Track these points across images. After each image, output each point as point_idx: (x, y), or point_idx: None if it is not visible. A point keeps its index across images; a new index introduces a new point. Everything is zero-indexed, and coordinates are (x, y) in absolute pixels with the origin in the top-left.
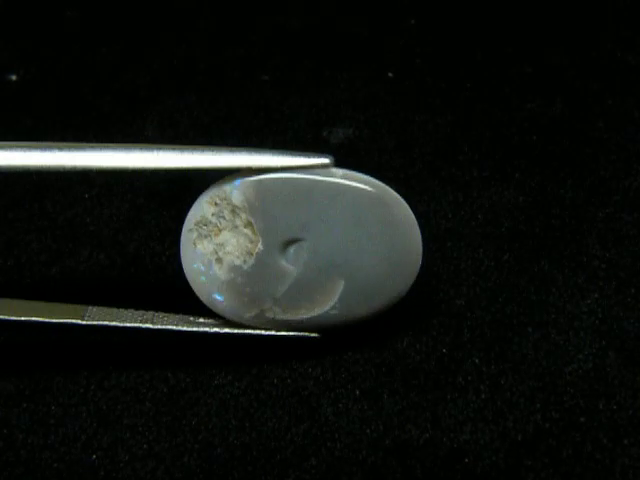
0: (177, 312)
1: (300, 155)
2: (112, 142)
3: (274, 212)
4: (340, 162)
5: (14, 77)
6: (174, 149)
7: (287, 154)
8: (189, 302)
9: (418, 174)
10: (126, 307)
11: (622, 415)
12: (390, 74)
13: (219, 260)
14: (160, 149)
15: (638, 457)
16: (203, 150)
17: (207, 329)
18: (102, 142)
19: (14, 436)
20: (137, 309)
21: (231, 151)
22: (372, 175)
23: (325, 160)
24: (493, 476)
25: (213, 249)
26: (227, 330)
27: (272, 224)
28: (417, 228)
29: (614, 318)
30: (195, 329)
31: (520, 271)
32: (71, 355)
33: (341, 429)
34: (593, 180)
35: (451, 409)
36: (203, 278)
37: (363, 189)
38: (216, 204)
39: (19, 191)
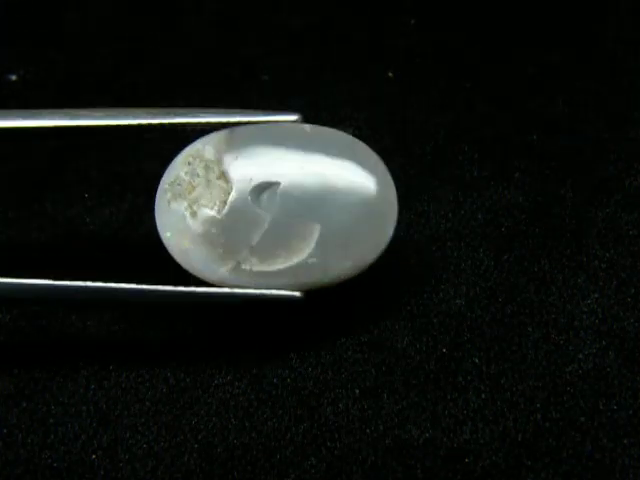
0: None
1: (269, 113)
2: (112, 142)
3: (247, 160)
4: None
5: (14, 77)
6: (142, 112)
7: (256, 112)
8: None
9: (418, 174)
10: (125, 309)
11: (622, 415)
12: (390, 74)
13: (193, 214)
14: (128, 113)
15: (638, 457)
16: (169, 112)
17: (186, 289)
18: (102, 142)
19: (13, 436)
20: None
21: (200, 112)
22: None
23: (293, 117)
24: (493, 476)
25: (187, 204)
26: (204, 289)
27: (245, 171)
28: (390, 179)
29: (614, 318)
30: (173, 289)
31: (520, 271)
32: (70, 353)
33: (341, 429)
34: (593, 180)
35: (451, 409)
36: (177, 232)
37: (333, 135)
38: (189, 163)
39: (19, 191)
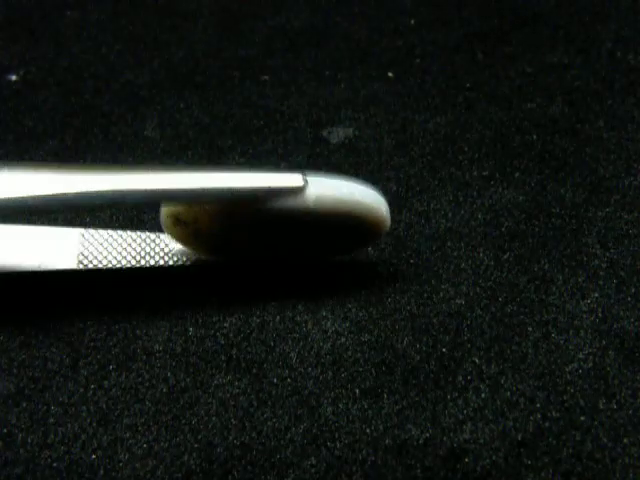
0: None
1: (272, 171)
2: (112, 142)
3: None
4: (340, 162)
5: (14, 77)
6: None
7: (259, 176)
8: (187, 303)
9: (418, 174)
10: (125, 309)
11: (622, 414)
12: (390, 74)
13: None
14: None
15: (638, 456)
16: (169, 171)
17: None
18: (102, 142)
19: (14, 435)
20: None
21: (198, 171)
22: (371, 174)
23: (298, 182)
24: (493, 475)
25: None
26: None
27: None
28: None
29: (614, 317)
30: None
31: (520, 270)
32: (70, 352)
33: (341, 429)
34: (593, 180)
35: (451, 408)
36: None
37: (335, 211)
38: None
39: None
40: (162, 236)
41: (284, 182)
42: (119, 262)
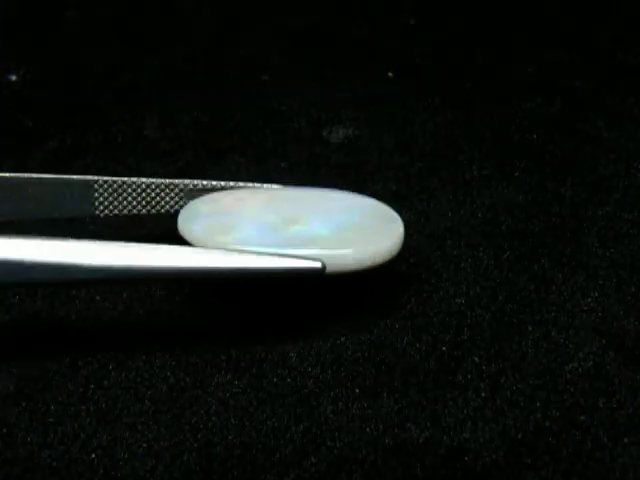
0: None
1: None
2: (112, 142)
3: None
4: (340, 162)
5: (14, 77)
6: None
7: (278, 260)
8: (187, 302)
9: (418, 174)
10: (124, 308)
11: (622, 413)
12: (390, 74)
13: None
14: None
15: (638, 456)
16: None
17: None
18: (102, 142)
19: (13, 435)
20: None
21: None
22: (371, 174)
23: (317, 264)
24: (493, 474)
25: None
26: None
27: None
28: None
29: (614, 317)
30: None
31: (520, 270)
32: (70, 353)
33: (341, 428)
34: (593, 179)
35: (451, 408)
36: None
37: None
38: None
39: None
40: (176, 181)
41: (303, 265)
42: (134, 208)
